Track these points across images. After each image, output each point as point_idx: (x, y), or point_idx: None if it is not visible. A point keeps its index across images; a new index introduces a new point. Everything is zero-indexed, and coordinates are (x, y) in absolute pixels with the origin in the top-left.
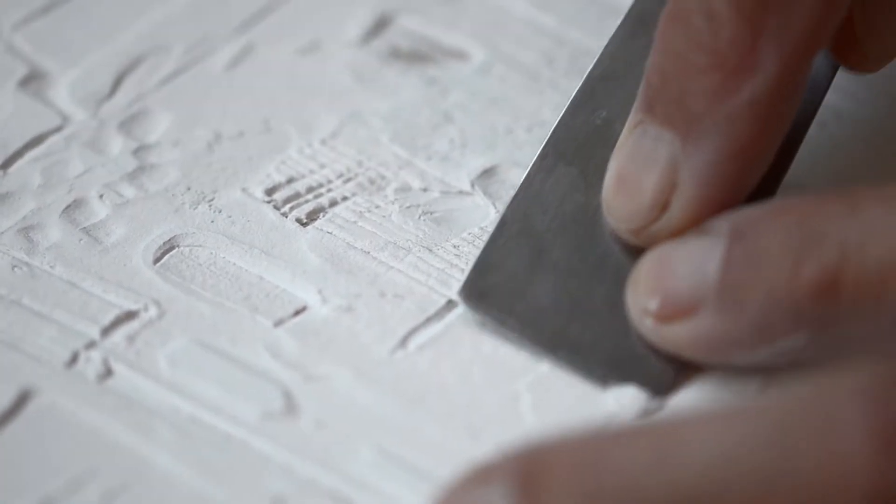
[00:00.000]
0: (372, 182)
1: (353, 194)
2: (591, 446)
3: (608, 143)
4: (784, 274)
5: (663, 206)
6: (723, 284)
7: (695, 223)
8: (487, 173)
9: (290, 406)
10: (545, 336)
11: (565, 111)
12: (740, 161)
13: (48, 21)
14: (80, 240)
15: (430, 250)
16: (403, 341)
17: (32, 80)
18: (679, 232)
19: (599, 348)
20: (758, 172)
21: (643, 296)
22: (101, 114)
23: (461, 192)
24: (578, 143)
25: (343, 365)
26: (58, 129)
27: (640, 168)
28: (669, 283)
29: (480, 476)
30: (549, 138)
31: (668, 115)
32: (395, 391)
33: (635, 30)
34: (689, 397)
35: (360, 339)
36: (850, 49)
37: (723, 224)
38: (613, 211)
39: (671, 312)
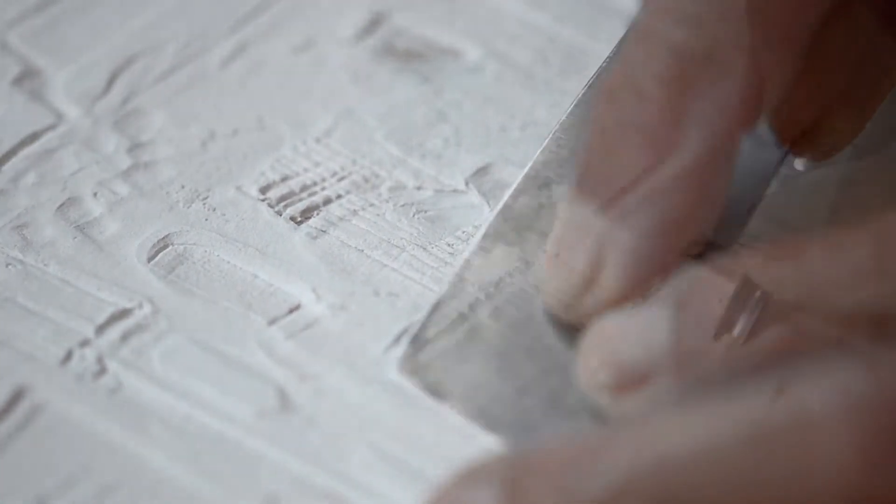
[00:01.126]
0: (366, 180)
1: (348, 192)
2: (573, 448)
3: (550, 224)
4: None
5: (591, 282)
6: (678, 350)
7: (623, 299)
8: (482, 172)
9: (284, 404)
10: (478, 412)
11: (510, 193)
12: (667, 238)
13: (42, 19)
14: (75, 237)
15: (425, 249)
16: (398, 340)
17: (26, 78)
18: (609, 307)
19: (530, 426)
20: (686, 247)
21: (596, 370)
22: (96, 112)
23: (455, 191)
24: (520, 224)
25: (337, 363)
26: (52, 127)
27: (570, 245)
28: (621, 355)
29: (469, 477)
30: (492, 220)
31: (595, 192)
32: (389, 390)
33: (586, 109)
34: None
35: (355, 337)
36: (802, 140)
37: (664, 289)
38: (544, 287)
39: (627, 383)
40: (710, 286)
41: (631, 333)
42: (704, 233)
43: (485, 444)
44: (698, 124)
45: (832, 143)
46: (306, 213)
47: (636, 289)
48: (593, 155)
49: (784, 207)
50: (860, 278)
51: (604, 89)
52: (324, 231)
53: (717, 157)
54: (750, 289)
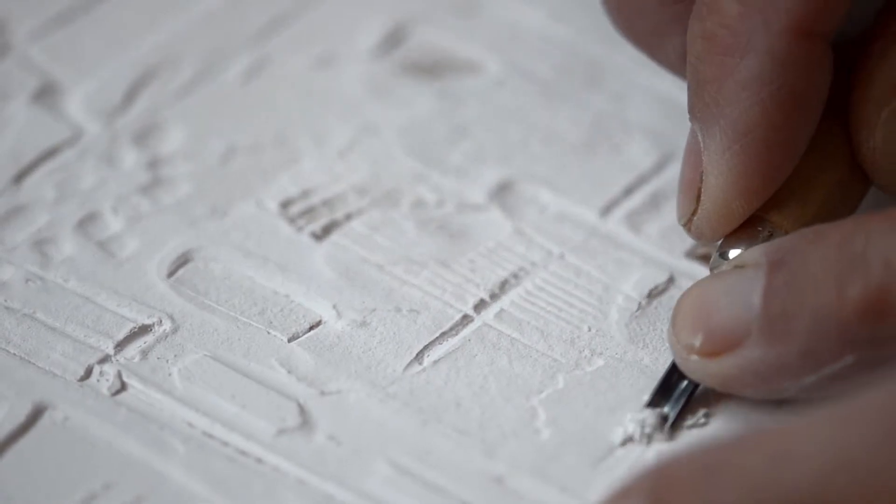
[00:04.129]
0: (387, 196)
1: (368, 208)
2: (708, 458)
3: None
4: (828, 298)
5: (697, 196)
6: (767, 314)
7: (726, 214)
8: (503, 186)
9: (305, 421)
10: None
11: None
12: (751, 147)
13: (62, 33)
14: (94, 253)
15: (446, 265)
16: (419, 356)
17: (46, 93)
18: (716, 223)
19: None
20: (775, 160)
21: (686, 333)
22: (115, 126)
23: (476, 207)
24: None
25: (358, 380)
26: (71, 142)
27: (684, 163)
28: (712, 318)
29: (619, 495)
30: None
31: (692, 107)
32: (409, 406)
33: None
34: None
35: (375, 353)
36: (873, 171)
37: (759, 255)
38: (678, 214)
39: (717, 347)
40: (804, 249)
41: (722, 297)
42: (787, 147)
43: (507, 460)
44: (760, 27)
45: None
46: (327, 229)
47: (736, 205)
48: (689, 72)
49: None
50: None
51: (693, 13)
52: (344, 247)
53: (784, 64)
54: (846, 250)
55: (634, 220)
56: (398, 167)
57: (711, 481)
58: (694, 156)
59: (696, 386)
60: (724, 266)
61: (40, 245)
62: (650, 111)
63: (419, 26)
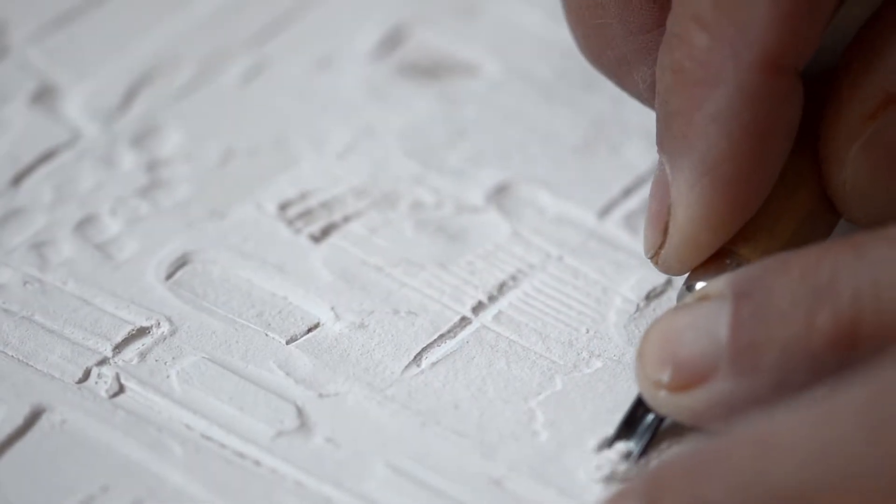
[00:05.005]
0: (385, 198)
1: (367, 210)
2: (698, 455)
3: None
4: (797, 328)
5: (664, 229)
6: (735, 346)
7: (694, 247)
8: (501, 188)
9: (303, 423)
10: None
11: None
12: (719, 181)
13: (61, 35)
14: (92, 256)
15: (444, 267)
16: (417, 358)
17: (44, 95)
18: (684, 256)
19: None
20: (744, 194)
21: (653, 368)
22: (114, 128)
23: (475, 209)
24: None
25: (356, 382)
26: (70, 144)
27: (651, 195)
28: (680, 352)
29: (614, 500)
30: None
31: (660, 140)
32: (408, 408)
33: None
34: None
35: (373, 356)
36: (842, 205)
37: (723, 286)
38: (644, 247)
39: (685, 381)
40: (769, 278)
41: (688, 330)
42: (755, 180)
43: (505, 462)
44: (730, 60)
45: (867, 214)
46: (325, 231)
47: (702, 238)
48: (657, 103)
49: None
50: None
51: (663, 40)
52: (343, 249)
53: (755, 97)
54: (812, 279)
55: (633, 222)
56: (397, 169)
57: (700, 478)
58: (661, 188)
59: (662, 420)
60: (688, 298)
61: (38, 247)
62: (648, 113)
63: (418, 28)
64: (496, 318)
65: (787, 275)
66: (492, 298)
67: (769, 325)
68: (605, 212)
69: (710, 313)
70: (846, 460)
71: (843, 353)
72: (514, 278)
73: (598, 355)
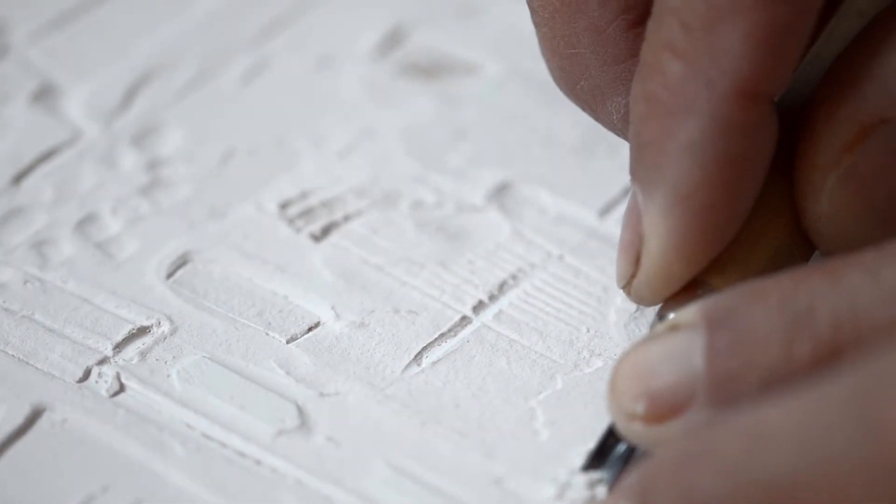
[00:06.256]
0: (386, 197)
1: (368, 209)
2: (688, 447)
3: None
4: (775, 358)
5: (636, 259)
6: (713, 376)
7: (666, 278)
8: (502, 188)
9: (304, 422)
10: None
11: None
12: (692, 211)
13: (61, 35)
14: (93, 255)
15: (445, 266)
16: (417, 357)
17: (45, 94)
18: (655, 287)
19: None
20: (717, 225)
21: (627, 400)
22: (114, 128)
23: (475, 208)
24: None
25: (356, 381)
26: (70, 143)
27: (623, 225)
28: (654, 383)
29: (610, 499)
30: None
31: (632, 169)
32: (408, 408)
33: None
34: None
35: (374, 355)
36: (818, 238)
37: (693, 315)
38: (617, 276)
39: (661, 412)
40: (744, 307)
41: (661, 361)
42: (729, 211)
43: (506, 461)
44: (704, 88)
45: (835, 244)
46: (326, 230)
47: (674, 270)
48: (631, 132)
49: None
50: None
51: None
52: (343, 248)
53: (729, 126)
54: (789, 308)
55: None
56: (397, 168)
57: (691, 469)
58: (634, 217)
59: (634, 449)
60: (659, 328)
61: (39, 246)
62: None
63: (418, 28)
64: (497, 317)
65: (764, 303)
66: (492, 298)
67: (747, 354)
68: (605, 211)
69: (682, 343)
70: (835, 450)
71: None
72: (514, 277)
73: (599, 354)
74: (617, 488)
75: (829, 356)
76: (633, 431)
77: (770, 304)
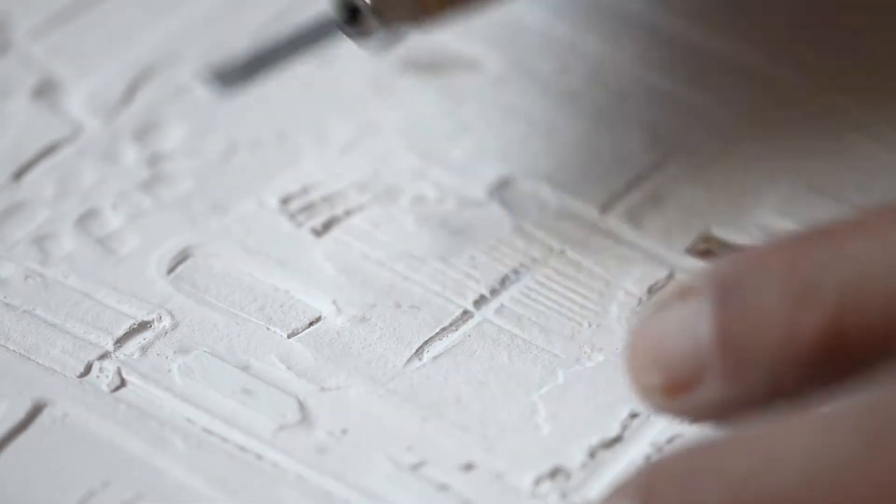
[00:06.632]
0: (387, 192)
1: (369, 204)
2: (693, 459)
3: None
4: (784, 329)
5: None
6: (722, 348)
7: None
8: (503, 183)
9: (305, 417)
10: None
11: None
12: None
13: (62, 31)
14: (94, 250)
15: (446, 261)
16: (419, 352)
17: (46, 89)
18: None
19: None
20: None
21: (645, 375)
22: (115, 123)
23: (477, 203)
24: None
25: (358, 376)
26: (71, 139)
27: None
28: (668, 356)
29: (609, 499)
30: None
31: None
32: (409, 402)
33: None
34: None
35: (375, 349)
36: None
37: (702, 282)
38: None
39: (679, 384)
40: (751, 275)
41: (672, 333)
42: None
43: (506, 454)
44: None
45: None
46: (327, 225)
47: None
48: None
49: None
50: None
51: None
52: (345, 243)
53: None
54: (795, 277)
55: (635, 216)
56: (399, 163)
57: (695, 483)
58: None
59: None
60: (669, 291)
61: (40, 242)
62: (650, 107)
63: None
64: (498, 311)
65: (769, 272)
66: (494, 292)
67: (754, 325)
68: (607, 206)
69: (692, 313)
70: (842, 468)
71: (833, 353)
72: (515, 272)
73: (601, 349)
74: (617, 489)
75: (835, 325)
76: (655, 403)
77: (775, 272)
